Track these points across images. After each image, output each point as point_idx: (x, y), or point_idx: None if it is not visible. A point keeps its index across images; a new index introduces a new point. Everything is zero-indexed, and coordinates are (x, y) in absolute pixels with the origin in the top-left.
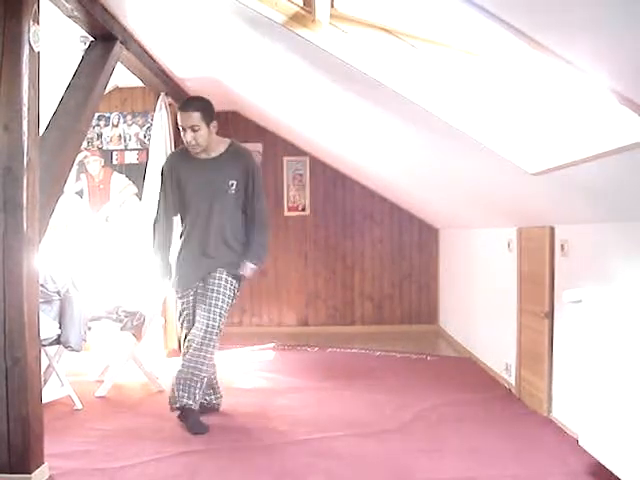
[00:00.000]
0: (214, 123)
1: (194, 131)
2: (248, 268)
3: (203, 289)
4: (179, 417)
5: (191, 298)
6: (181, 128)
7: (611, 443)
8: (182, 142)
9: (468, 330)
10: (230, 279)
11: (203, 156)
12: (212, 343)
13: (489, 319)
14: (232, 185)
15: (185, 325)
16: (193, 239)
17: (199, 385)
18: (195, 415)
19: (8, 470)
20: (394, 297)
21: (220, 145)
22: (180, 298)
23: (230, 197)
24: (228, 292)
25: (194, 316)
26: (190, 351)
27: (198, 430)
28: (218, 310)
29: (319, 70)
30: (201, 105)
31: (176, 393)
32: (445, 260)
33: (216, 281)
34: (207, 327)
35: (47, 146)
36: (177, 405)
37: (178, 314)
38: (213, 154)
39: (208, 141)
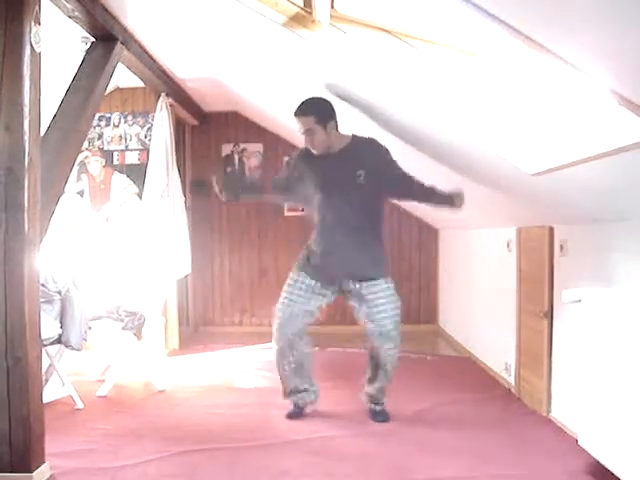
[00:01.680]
0: (332, 124)
1: (310, 135)
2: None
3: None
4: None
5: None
6: (301, 132)
7: (611, 443)
8: (184, 143)
9: (468, 330)
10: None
11: (327, 152)
12: None
13: (489, 319)
14: (360, 176)
15: None
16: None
17: None
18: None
19: (9, 469)
20: None
21: (342, 140)
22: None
23: (357, 187)
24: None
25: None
26: None
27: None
28: None
29: (319, 70)
30: (314, 108)
31: None
32: (445, 260)
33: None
34: None
35: (48, 146)
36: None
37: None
38: (335, 150)
39: (328, 141)
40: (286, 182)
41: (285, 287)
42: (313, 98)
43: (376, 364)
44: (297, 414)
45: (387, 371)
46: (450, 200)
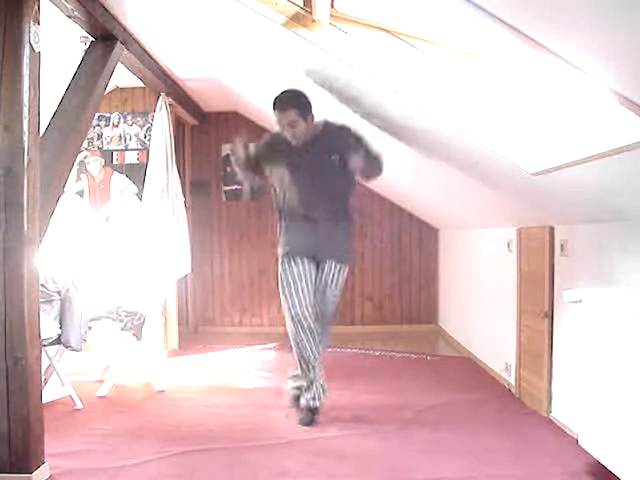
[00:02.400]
0: (311, 115)
1: (293, 127)
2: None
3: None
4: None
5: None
6: (280, 125)
7: (611, 443)
8: (184, 142)
9: (468, 330)
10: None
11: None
12: None
13: (489, 319)
14: (334, 160)
15: None
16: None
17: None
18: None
19: (8, 470)
20: (394, 297)
21: (316, 128)
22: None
23: (331, 170)
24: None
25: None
26: None
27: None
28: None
29: (319, 69)
30: (295, 101)
31: None
32: (445, 260)
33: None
34: None
35: (47, 146)
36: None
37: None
38: (310, 137)
39: (307, 131)
40: (255, 159)
41: (282, 275)
42: (291, 91)
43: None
44: (310, 419)
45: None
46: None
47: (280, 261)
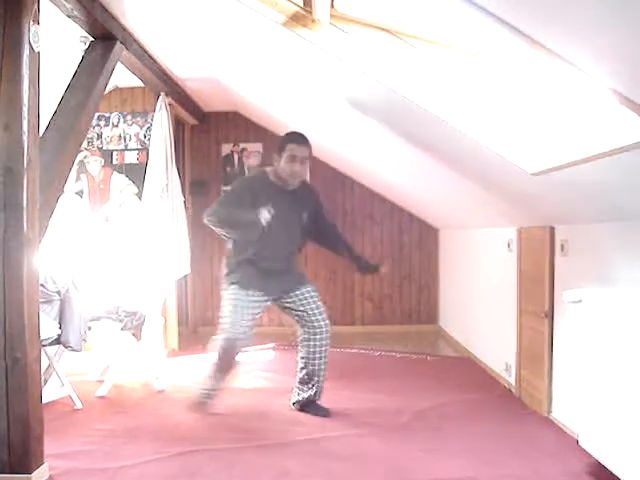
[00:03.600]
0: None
1: (303, 164)
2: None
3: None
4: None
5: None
6: (291, 158)
7: (611, 443)
8: (184, 142)
9: (468, 330)
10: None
11: (284, 187)
12: None
13: (489, 319)
14: (304, 218)
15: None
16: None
17: None
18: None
19: (8, 470)
20: (394, 297)
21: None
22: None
23: (300, 226)
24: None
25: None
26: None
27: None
28: None
29: (318, 70)
30: (309, 142)
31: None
32: (445, 260)
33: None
34: None
35: (47, 146)
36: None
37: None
38: (291, 187)
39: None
40: (234, 199)
41: (230, 305)
42: (302, 133)
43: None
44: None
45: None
46: (363, 264)
47: (232, 290)
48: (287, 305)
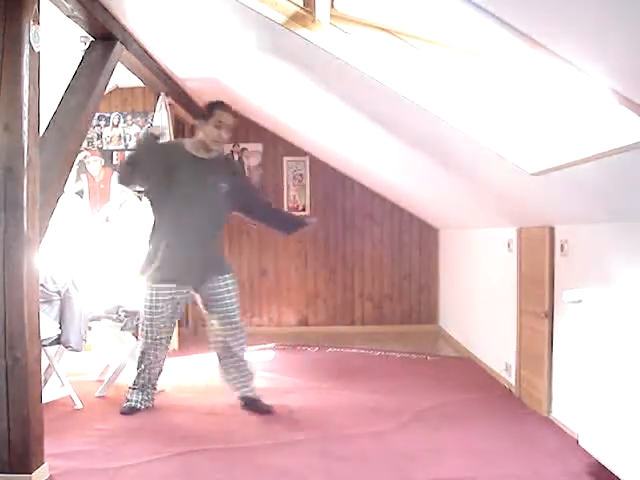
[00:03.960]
0: None
1: (227, 131)
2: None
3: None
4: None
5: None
6: (219, 124)
7: (611, 443)
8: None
9: (468, 330)
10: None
11: (201, 155)
12: None
13: (489, 319)
14: (222, 188)
15: None
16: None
17: None
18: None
19: (8, 470)
20: (394, 297)
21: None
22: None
23: (220, 198)
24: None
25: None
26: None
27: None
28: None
29: (319, 70)
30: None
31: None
32: (445, 260)
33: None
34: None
35: (47, 146)
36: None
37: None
38: (208, 155)
39: None
40: (141, 161)
41: (147, 302)
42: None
43: (228, 354)
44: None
45: (241, 358)
46: (301, 222)
47: (151, 289)
48: (203, 299)
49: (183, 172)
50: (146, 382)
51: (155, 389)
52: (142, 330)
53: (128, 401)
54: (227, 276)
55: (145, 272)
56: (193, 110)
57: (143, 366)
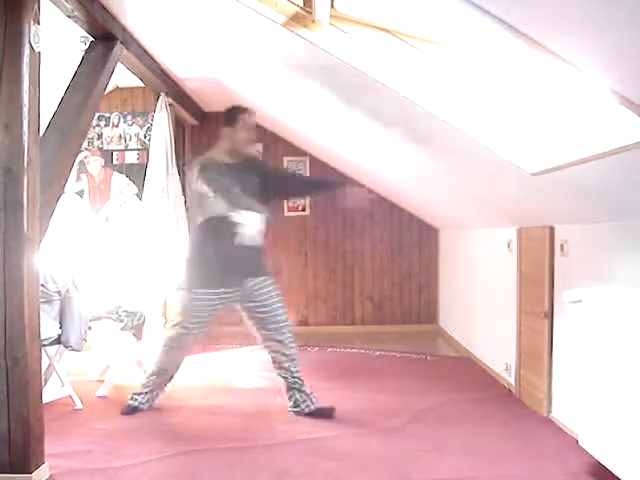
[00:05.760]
0: None
1: (254, 131)
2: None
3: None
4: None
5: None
6: (246, 126)
7: (611, 443)
8: (184, 142)
9: (468, 330)
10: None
11: (234, 160)
12: None
13: (489, 319)
14: (255, 182)
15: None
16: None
17: None
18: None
19: (9, 470)
20: (394, 297)
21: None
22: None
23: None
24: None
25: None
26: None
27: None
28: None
29: (318, 70)
30: None
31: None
32: (445, 260)
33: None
34: None
35: (47, 146)
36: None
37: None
38: (240, 159)
39: None
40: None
41: (192, 307)
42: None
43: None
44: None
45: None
46: (339, 184)
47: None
48: (249, 302)
49: (231, 180)
50: (158, 386)
51: (164, 391)
52: (173, 333)
53: (132, 400)
54: (268, 277)
55: (192, 280)
56: (193, 110)
57: (162, 370)
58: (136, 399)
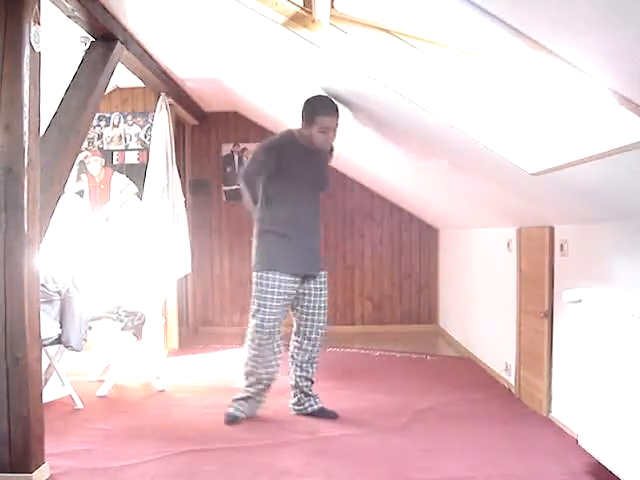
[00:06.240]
0: None
1: (333, 133)
2: None
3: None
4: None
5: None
6: (323, 129)
7: (611, 443)
8: (184, 142)
9: (468, 330)
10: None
11: (308, 145)
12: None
13: (489, 319)
14: (323, 174)
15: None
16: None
17: None
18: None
19: (9, 469)
20: (394, 297)
21: None
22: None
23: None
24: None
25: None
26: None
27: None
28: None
29: (318, 70)
30: (338, 108)
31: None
32: (445, 260)
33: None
34: None
35: (48, 146)
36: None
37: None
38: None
39: None
40: (260, 167)
41: (263, 293)
42: (330, 98)
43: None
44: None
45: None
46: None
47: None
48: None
49: (297, 163)
50: (257, 391)
51: (266, 394)
52: (255, 327)
53: (232, 408)
54: (323, 273)
55: (269, 262)
56: (193, 110)
57: (253, 370)
58: (237, 407)
